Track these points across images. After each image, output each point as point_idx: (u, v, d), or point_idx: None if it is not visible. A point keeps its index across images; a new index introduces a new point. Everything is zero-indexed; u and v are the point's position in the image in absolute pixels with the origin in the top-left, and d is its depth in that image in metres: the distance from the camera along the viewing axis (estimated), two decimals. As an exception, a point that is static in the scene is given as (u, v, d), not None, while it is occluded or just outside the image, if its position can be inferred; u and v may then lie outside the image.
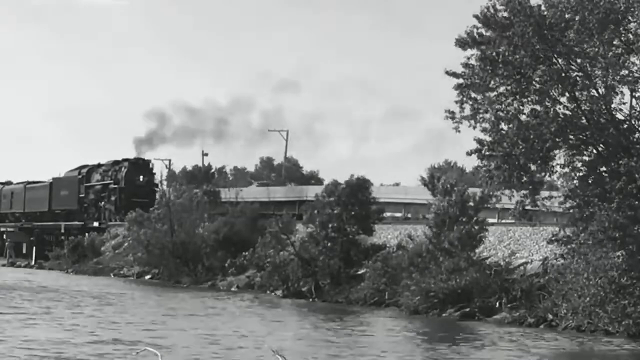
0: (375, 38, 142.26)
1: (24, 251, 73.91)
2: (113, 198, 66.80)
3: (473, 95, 28.35)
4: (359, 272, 38.71)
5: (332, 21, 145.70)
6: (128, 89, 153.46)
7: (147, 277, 51.16)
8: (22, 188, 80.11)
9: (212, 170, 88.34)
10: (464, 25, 28.48)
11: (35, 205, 76.79)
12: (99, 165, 71.14)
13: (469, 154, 28.48)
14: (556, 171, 28.32)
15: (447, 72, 28.62)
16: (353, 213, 39.60)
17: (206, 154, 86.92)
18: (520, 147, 27.55)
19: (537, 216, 30.60)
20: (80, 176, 71.86)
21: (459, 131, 28.62)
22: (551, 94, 28.21)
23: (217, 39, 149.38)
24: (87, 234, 65.01)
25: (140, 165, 67.84)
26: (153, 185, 67.02)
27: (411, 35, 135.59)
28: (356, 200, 39.80)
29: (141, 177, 66.34)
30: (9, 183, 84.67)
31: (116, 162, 69.02)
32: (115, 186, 66.84)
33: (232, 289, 43.78)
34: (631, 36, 27.87)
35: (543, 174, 28.51)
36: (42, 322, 26.94)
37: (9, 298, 35.30)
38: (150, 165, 68.93)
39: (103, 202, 67.94)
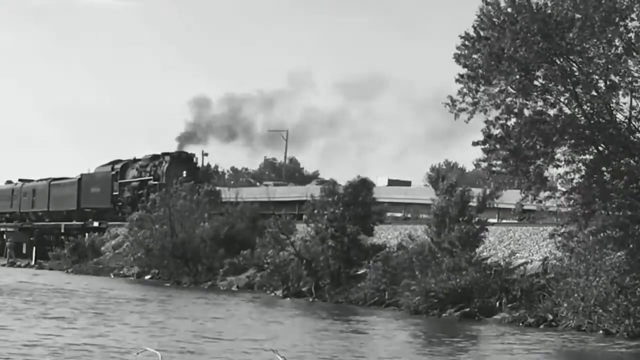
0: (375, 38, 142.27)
1: (24, 251, 73.70)
2: (153, 196, 58.49)
3: (475, 87, 28.30)
4: (359, 272, 38.70)
5: (331, 22, 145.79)
6: (128, 89, 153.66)
7: (147, 277, 51.14)
8: (45, 185, 75.42)
9: (209, 171, 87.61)
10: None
11: (61, 203, 72.36)
12: (135, 160, 66.12)
13: (474, 143, 28.43)
14: (560, 166, 28.32)
15: (456, 61, 28.54)
16: (354, 213, 39.61)
17: (206, 154, 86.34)
18: (526, 142, 27.55)
19: (536, 217, 30.64)
20: (113, 172, 66.88)
21: (458, 116, 28.60)
22: (554, 92, 28.21)
23: (217, 39, 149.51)
24: (87, 234, 64.86)
25: (183, 160, 62.79)
26: (197, 182, 60.14)
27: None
28: (358, 201, 39.81)
29: (184, 172, 60.50)
30: (29, 180, 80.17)
31: (155, 157, 64.02)
32: (156, 182, 61.42)
33: (232, 288, 43.77)
34: (632, 36, 27.84)
35: (545, 170, 28.46)
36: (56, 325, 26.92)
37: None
38: (194, 160, 63.88)
39: (141, 200, 60.84)
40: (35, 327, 25.59)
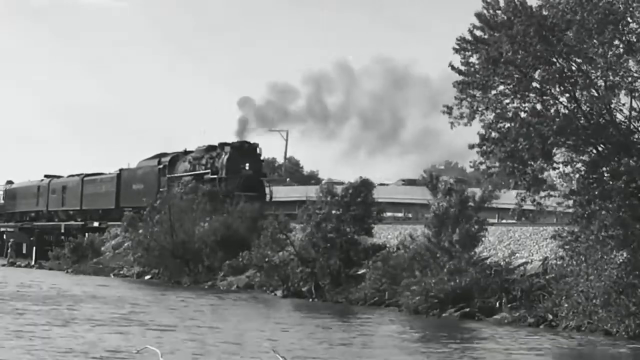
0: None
1: (24, 251, 73.56)
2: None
3: (472, 93, 28.35)
4: (359, 272, 38.69)
5: (333, 20, 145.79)
6: (128, 89, 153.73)
7: (147, 277, 51.13)
8: (78, 181, 70.22)
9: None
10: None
11: (96, 202, 67.03)
12: (186, 152, 59.53)
13: (470, 147, 28.48)
14: (557, 168, 28.34)
15: (451, 67, 28.62)
16: (354, 214, 39.53)
17: None
18: (523, 143, 27.56)
19: (536, 216, 30.66)
20: (160, 166, 60.16)
21: (455, 125, 28.67)
22: (552, 93, 28.22)
23: (218, 39, 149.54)
24: (87, 234, 64.74)
25: (246, 150, 55.85)
26: (261, 175, 56.57)
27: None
28: (357, 202, 39.74)
29: (247, 164, 54.97)
30: (58, 176, 75.30)
31: (211, 148, 57.25)
32: (214, 176, 54.88)
33: (232, 288, 43.78)
34: (631, 37, 27.87)
35: (544, 171, 28.47)
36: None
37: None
38: (258, 151, 56.57)
39: None
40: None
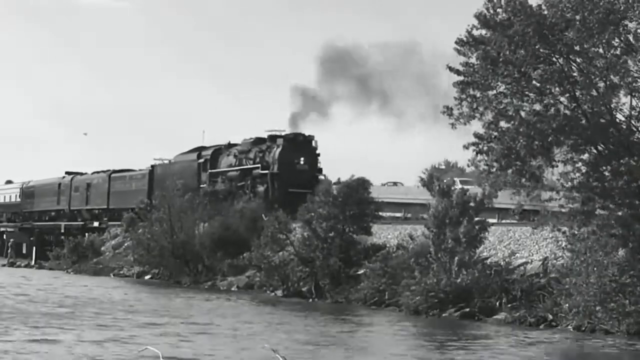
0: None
1: (24, 251, 73.53)
2: (261, 188, 50.56)
3: (472, 92, 28.34)
4: (359, 272, 38.67)
5: (333, 20, 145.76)
6: (128, 89, 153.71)
7: (147, 277, 51.14)
8: (104, 178, 66.66)
9: None
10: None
11: (126, 200, 62.35)
12: (230, 145, 55.10)
13: (466, 147, 28.47)
14: (556, 166, 28.31)
15: (449, 68, 28.62)
16: (351, 213, 39.49)
17: None
18: (521, 141, 27.53)
19: (537, 217, 30.64)
20: (201, 160, 55.80)
21: (455, 128, 28.67)
22: (552, 92, 28.21)
23: (218, 39, 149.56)
24: (87, 234, 64.71)
25: (300, 143, 51.08)
26: (317, 171, 51.39)
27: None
28: (354, 201, 39.69)
29: (302, 159, 50.56)
30: (81, 173, 72.37)
31: (260, 140, 52.67)
32: (265, 172, 50.51)
33: (232, 289, 43.77)
34: (630, 37, 27.88)
35: (543, 169, 28.45)
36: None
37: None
38: (313, 144, 51.54)
39: (241, 194, 50.93)
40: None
